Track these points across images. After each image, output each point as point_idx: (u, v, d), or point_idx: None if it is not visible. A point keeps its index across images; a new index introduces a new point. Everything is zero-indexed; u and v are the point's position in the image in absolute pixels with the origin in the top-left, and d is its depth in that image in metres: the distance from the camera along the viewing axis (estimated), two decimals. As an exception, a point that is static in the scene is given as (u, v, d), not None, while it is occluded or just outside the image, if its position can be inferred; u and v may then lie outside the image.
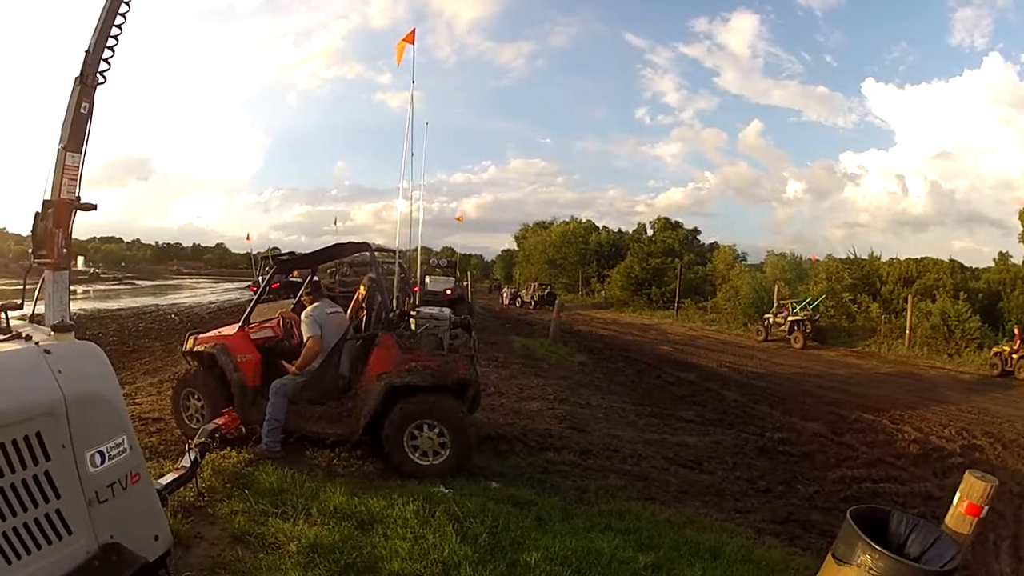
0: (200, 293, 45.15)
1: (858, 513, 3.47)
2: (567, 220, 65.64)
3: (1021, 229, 27.62)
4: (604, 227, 63.45)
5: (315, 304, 6.84)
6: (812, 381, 16.23)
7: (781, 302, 27.67)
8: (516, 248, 74.86)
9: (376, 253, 7.27)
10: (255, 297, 7.69)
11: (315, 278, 7.36)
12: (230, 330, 7.14)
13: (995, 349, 19.08)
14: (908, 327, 24.48)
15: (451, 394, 6.30)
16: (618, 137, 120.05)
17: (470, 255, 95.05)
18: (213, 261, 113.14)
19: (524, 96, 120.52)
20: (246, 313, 7.26)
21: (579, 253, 58.86)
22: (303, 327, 6.69)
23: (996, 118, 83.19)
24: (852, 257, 33.89)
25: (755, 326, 27.90)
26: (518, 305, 43.80)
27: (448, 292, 20.91)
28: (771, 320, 26.06)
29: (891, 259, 33.82)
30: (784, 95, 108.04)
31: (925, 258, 32.77)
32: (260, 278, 26.72)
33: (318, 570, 3.93)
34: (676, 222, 54.99)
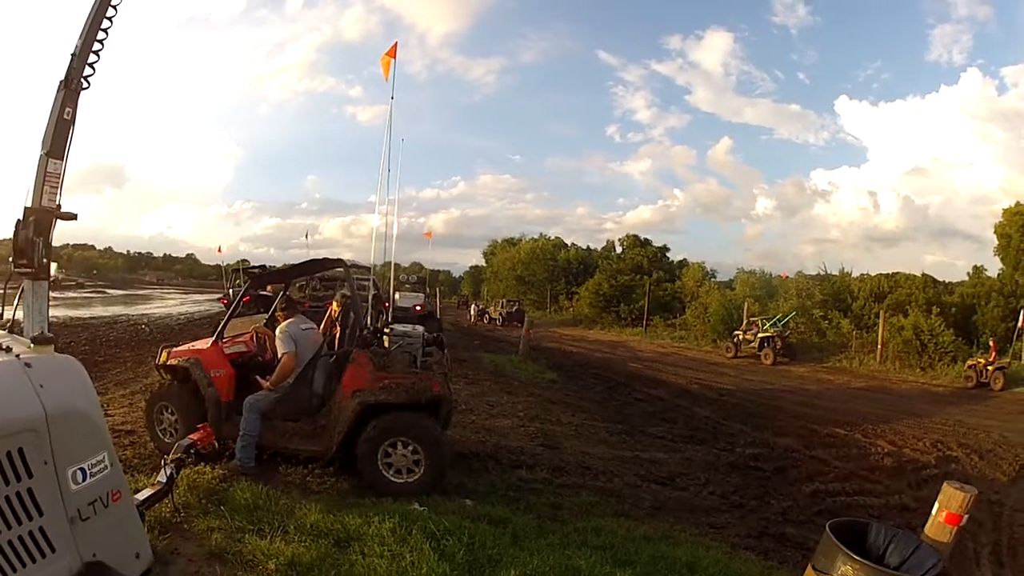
0: (171, 304, 44.45)
1: (837, 525, 3.53)
2: (536, 237, 65.74)
3: (996, 243, 27.87)
4: (573, 244, 63.55)
5: (290, 320, 6.80)
6: (783, 397, 16.32)
7: (751, 319, 27.85)
8: (484, 264, 74.74)
9: (350, 270, 7.26)
10: (229, 311, 7.62)
11: (288, 293, 7.33)
12: (204, 344, 7.09)
13: (969, 361, 19.30)
14: (880, 342, 24.64)
15: (425, 412, 6.28)
16: (588, 154, 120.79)
17: (438, 271, 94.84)
18: (183, 272, 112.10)
19: (495, 112, 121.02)
20: (220, 327, 7.20)
21: (547, 270, 58.88)
22: (278, 343, 6.63)
23: (973, 133, 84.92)
24: (823, 273, 34.42)
25: (725, 343, 28.11)
26: (486, 321, 43.62)
27: (418, 308, 20.88)
28: (741, 337, 26.28)
29: (862, 275, 34.22)
30: (756, 113, 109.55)
31: (897, 273, 33.09)
32: (231, 291, 26.44)
33: (297, 589, 3.86)
34: (645, 239, 54.98)
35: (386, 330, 6.90)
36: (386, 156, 8.04)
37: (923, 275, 32.21)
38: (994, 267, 29.63)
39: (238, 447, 6.26)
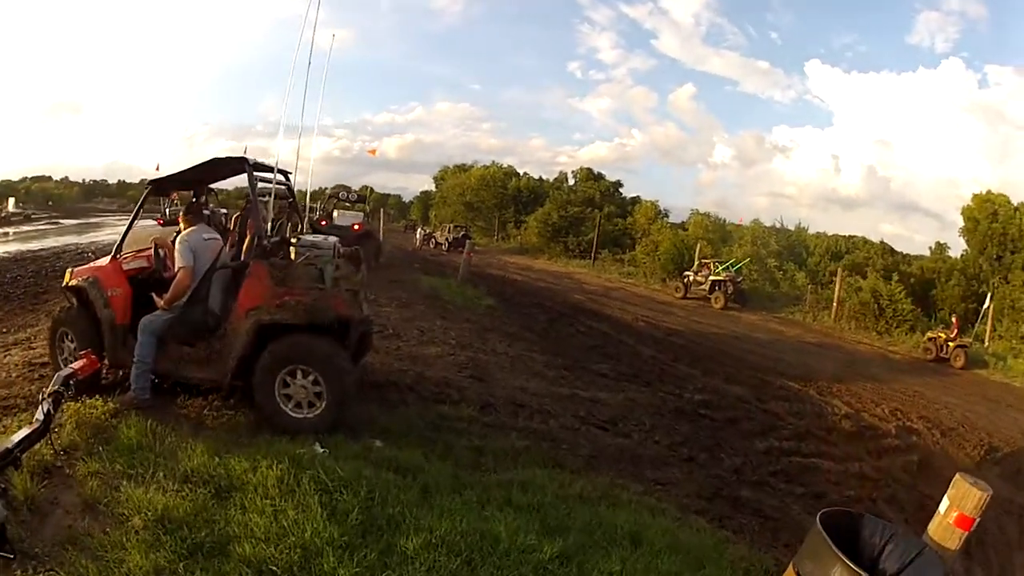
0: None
1: (826, 518, 2.78)
2: (488, 164, 64.39)
3: (963, 224, 27.79)
4: (525, 173, 62.33)
5: (191, 228, 5.86)
6: (733, 343, 16.01)
7: (703, 260, 27.42)
8: (435, 190, 73.20)
9: (260, 173, 6.17)
10: (129, 221, 6.56)
11: (197, 200, 6.27)
12: (104, 261, 6.19)
13: (929, 334, 19.23)
14: (836, 299, 24.60)
15: (329, 336, 5.42)
16: (548, 88, 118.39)
17: (388, 194, 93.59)
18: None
19: (457, 41, 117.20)
20: (118, 240, 6.28)
21: (497, 197, 57.59)
22: (176, 255, 5.72)
23: (947, 118, 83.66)
24: (779, 226, 34.52)
25: (674, 282, 27.80)
26: (432, 246, 42.57)
27: (356, 227, 19.75)
28: (691, 278, 25.90)
29: (819, 233, 34.64)
30: (723, 63, 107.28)
31: (856, 236, 33.75)
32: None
33: (163, 552, 3.30)
34: (599, 173, 54.21)
35: (292, 240, 5.93)
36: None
37: (881, 242, 32.65)
38: (957, 246, 29.92)
39: (132, 375, 5.50)
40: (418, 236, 45.76)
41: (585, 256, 40.58)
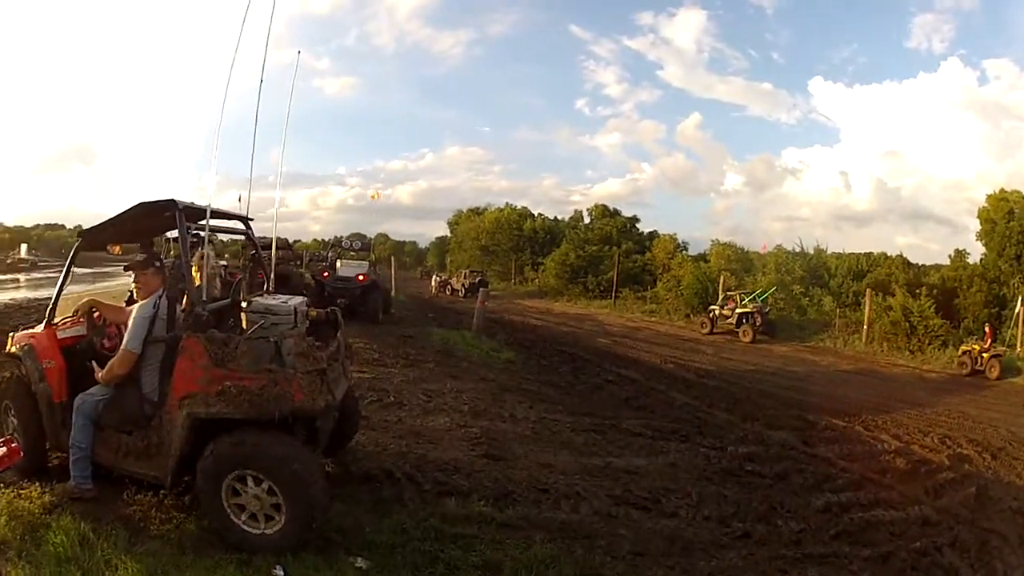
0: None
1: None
2: (501, 207, 63.67)
3: (980, 228, 27.12)
4: (539, 214, 61.61)
5: (156, 293, 4.74)
6: (768, 380, 14.91)
7: (728, 293, 26.37)
8: (450, 235, 72.60)
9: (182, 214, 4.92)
10: (59, 282, 5.38)
11: (149, 254, 5.07)
12: (39, 328, 5.18)
13: (963, 348, 18.26)
14: (866, 322, 23.52)
15: (286, 432, 4.22)
16: (556, 127, 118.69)
17: (404, 242, 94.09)
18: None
19: (462, 84, 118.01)
20: (50, 304, 5.26)
21: (512, 240, 56.89)
22: (128, 332, 4.62)
23: (950, 120, 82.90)
24: (799, 249, 33.38)
25: (699, 318, 26.72)
26: (448, 293, 41.95)
27: (360, 278, 18.68)
28: (717, 312, 24.81)
29: (837, 253, 33.37)
30: (728, 90, 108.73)
31: (874, 253, 32.41)
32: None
33: None
34: (614, 209, 52.83)
35: (244, 304, 4.69)
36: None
37: (900, 256, 31.74)
38: (975, 252, 29.14)
39: (71, 462, 4.67)
40: (434, 283, 45.27)
41: (605, 296, 39.41)
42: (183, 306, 4.75)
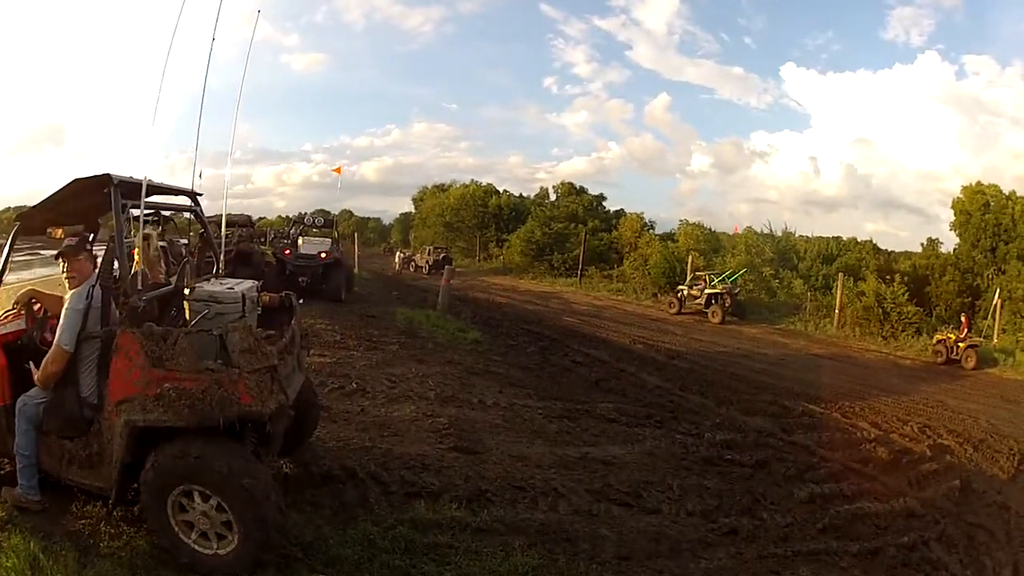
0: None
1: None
2: (467, 184, 62.87)
3: (954, 218, 27.11)
4: (505, 191, 60.88)
5: (87, 283, 4.16)
6: (740, 363, 14.72)
7: (697, 273, 26.10)
8: (414, 211, 71.70)
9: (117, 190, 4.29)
10: None
11: (82, 239, 4.45)
12: None
13: (938, 336, 18.14)
14: (838, 306, 23.43)
15: (232, 439, 3.75)
16: (523, 105, 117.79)
17: (368, 218, 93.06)
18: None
19: (432, 61, 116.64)
20: None
21: (477, 217, 56.28)
22: (59, 326, 4.07)
23: (926, 113, 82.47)
24: (768, 232, 33.44)
25: (667, 298, 26.41)
26: (412, 269, 41.35)
27: (323, 255, 17.97)
28: (685, 292, 24.49)
29: (806, 236, 33.60)
30: (698, 73, 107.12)
31: (844, 238, 32.72)
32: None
33: None
34: (581, 187, 52.70)
35: (186, 291, 4.14)
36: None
37: (870, 241, 32.23)
38: (947, 241, 29.30)
39: (18, 469, 4.22)
40: (397, 260, 44.39)
41: (571, 274, 39.07)
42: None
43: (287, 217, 22.66)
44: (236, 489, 3.61)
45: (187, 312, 4.17)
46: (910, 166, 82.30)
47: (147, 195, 4.27)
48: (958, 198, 27.05)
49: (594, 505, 5.70)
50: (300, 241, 19.02)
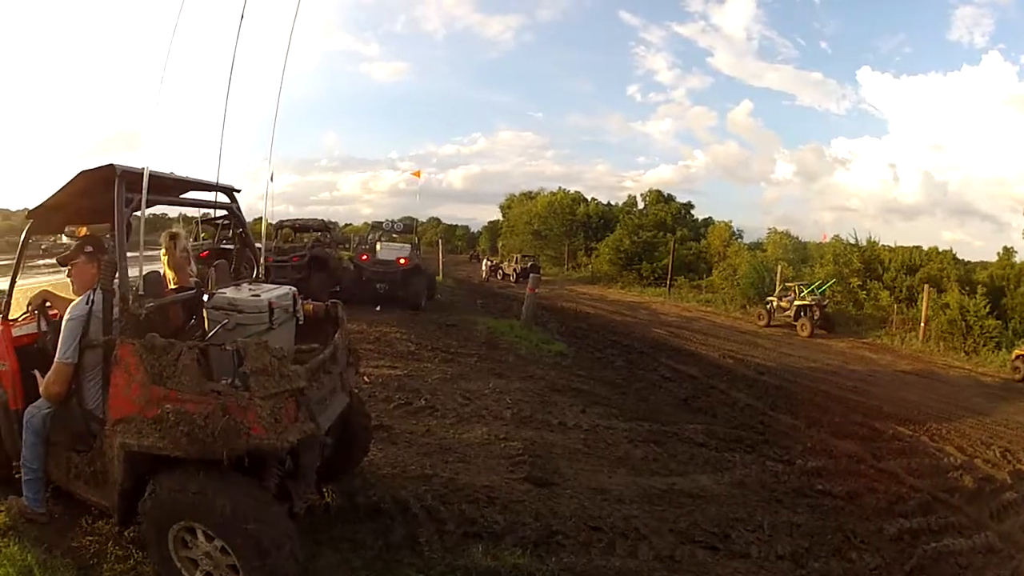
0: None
1: None
2: (554, 191, 62.43)
3: None
4: (592, 199, 60.53)
5: (88, 289, 3.79)
6: (829, 379, 14.00)
7: (786, 284, 25.26)
8: (502, 219, 71.64)
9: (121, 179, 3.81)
10: (13, 271, 4.40)
11: (85, 239, 4.01)
12: None
13: (1016, 351, 17.13)
14: (923, 319, 22.26)
15: (243, 473, 3.20)
16: (608, 113, 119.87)
17: (456, 225, 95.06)
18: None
19: (513, 69, 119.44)
20: (5, 297, 4.40)
21: (565, 224, 55.84)
22: (60, 338, 3.69)
23: (992, 115, 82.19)
24: (854, 241, 31.99)
25: (756, 309, 25.57)
26: (499, 278, 40.93)
27: (401, 261, 17.59)
28: (775, 304, 23.60)
29: (889, 245, 32.07)
30: (778, 78, 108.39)
31: (926, 247, 31.13)
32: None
33: None
34: (668, 195, 52.01)
35: (205, 297, 3.60)
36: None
37: (951, 251, 30.38)
38: (1021, 249, 28.91)
39: (23, 481, 3.96)
40: (484, 268, 43.94)
41: (660, 284, 38.15)
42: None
43: (371, 223, 22.69)
44: (241, 533, 3.07)
45: (205, 322, 3.61)
46: (981, 172, 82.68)
47: (180, 191, 3.77)
48: (1033, 204, 25.70)
49: (678, 549, 5.03)
50: (378, 247, 18.72)
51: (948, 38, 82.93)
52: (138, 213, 3.66)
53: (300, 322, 4.25)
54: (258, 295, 3.85)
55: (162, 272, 4.73)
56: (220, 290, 3.82)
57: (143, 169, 3.38)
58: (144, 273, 3.87)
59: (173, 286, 4.54)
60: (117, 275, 3.46)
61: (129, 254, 3.48)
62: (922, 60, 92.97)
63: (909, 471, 7.99)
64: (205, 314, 3.68)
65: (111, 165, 3.44)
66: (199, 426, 3.03)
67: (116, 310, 3.46)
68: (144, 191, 3.37)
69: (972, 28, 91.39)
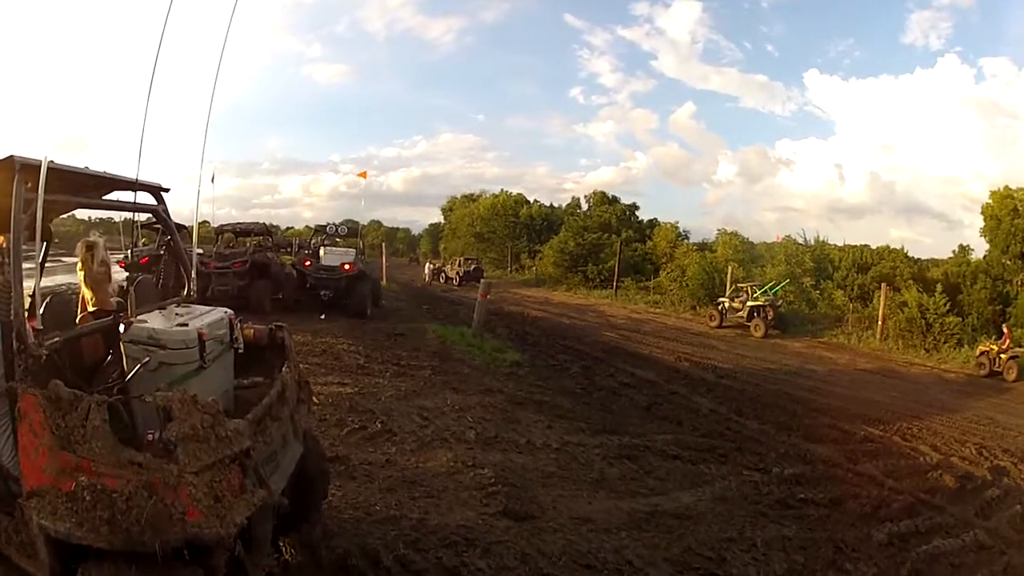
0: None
1: None
2: (496, 193, 62.01)
3: (983, 224, 26.59)
4: (536, 200, 60.36)
5: None
6: (791, 380, 14.16)
7: (739, 285, 25.18)
8: (443, 221, 71.11)
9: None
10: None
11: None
12: None
13: (980, 348, 17.69)
14: (880, 318, 22.53)
15: (184, 563, 2.50)
16: (550, 115, 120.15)
17: (397, 228, 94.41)
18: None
19: (456, 71, 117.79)
20: None
21: (508, 227, 55.56)
22: None
23: (946, 117, 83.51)
24: (803, 241, 33.12)
25: (707, 310, 25.72)
26: (442, 281, 40.52)
27: (346, 267, 16.85)
28: (727, 305, 23.66)
29: (839, 245, 33.47)
30: (722, 81, 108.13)
31: (877, 246, 32.46)
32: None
33: None
34: (613, 196, 51.99)
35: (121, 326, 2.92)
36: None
37: (902, 250, 31.71)
38: (979, 247, 28.73)
39: None
40: (427, 271, 43.41)
41: (606, 286, 38.14)
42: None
43: (315, 227, 21.81)
44: None
45: (124, 359, 2.94)
46: (932, 171, 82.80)
47: (98, 191, 3.08)
48: (987, 204, 26.61)
49: (673, 578, 4.59)
50: (322, 252, 18.04)
51: (902, 41, 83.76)
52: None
53: (239, 351, 3.59)
54: (186, 324, 3.15)
55: (79, 291, 3.92)
56: (140, 317, 3.11)
57: (41, 161, 2.63)
58: (49, 296, 3.12)
59: (92, 308, 3.71)
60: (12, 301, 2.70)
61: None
62: (873, 63, 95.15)
63: (887, 473, 7.97)
64: (123, 349, 2.98)
65: (11, 157, 2.70)
66: (120, 510, 2.37)
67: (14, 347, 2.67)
68: (41, 188, 2.59)
69: (928, 31, 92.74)
